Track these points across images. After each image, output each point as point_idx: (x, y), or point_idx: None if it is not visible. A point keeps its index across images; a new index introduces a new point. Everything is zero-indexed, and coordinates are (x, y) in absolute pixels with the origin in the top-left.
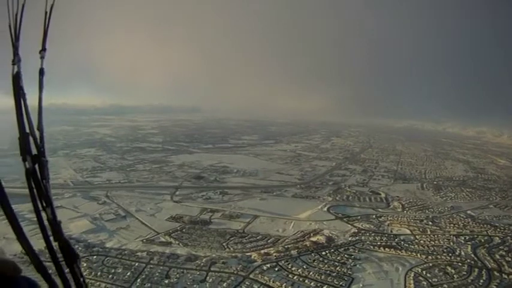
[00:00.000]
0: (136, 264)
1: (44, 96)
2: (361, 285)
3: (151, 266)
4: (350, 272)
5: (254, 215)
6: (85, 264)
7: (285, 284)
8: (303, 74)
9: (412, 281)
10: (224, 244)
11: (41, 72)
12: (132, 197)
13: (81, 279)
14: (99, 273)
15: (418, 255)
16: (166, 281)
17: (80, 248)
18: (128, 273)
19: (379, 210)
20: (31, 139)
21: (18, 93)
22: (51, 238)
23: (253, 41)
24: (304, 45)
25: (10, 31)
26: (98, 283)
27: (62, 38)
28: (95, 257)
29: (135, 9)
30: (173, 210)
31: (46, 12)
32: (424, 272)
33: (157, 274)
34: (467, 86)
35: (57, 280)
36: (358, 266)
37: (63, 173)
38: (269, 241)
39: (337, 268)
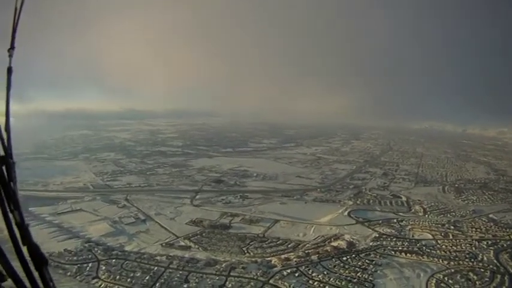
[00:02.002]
0: (156, 268)
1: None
2: None
3: (171, 270)
4: (371, 278)
5: (274, 219)
6: (104, 268)
7: None
8: (321, 76)
9: None
10: (244, 249)
11: (9, 71)
12: (152, 201)
13: (51, 284)
14: (117, 277)
15: (440, 260)
16: (185, 286)
17: (99, 251)
18: (147, 277)
19: (401, 214)
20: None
21: None
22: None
23: (269, 43)
24: (321, 47)
25: None
26: (116, 287)
27: (70, 38)
28: (113, 260)
29: (147, 11)
30: (193, 214)
31: (16, 9)
32: (445, 278)
33: (176, 278)
34: (487, 85)
35: (28, 284)
36: (379, 272)
37: (83, 176)
38: (289, 246)
39: (358, 274)
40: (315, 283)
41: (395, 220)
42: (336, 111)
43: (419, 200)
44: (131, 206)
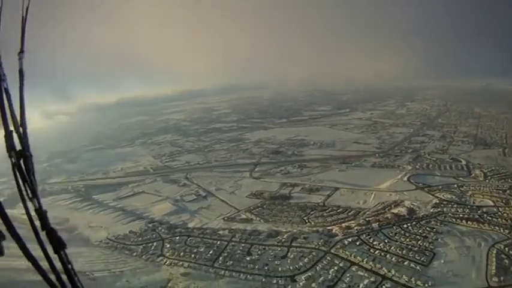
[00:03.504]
0: (218, 242)
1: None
2: (442, 261)
3: (233, 243)
4: (432, 247)
5: (334, 187)
6: (168, 246)
7: (366, 259)
8: (371, 37)
9: (494, 259)
10: (305, 218)
11: (21, 72)
12: (212, 177)
13: (69, 266)
14: (181, 254)
15: (501, 229)
16: (248, 258)
17: (162, 230)
18: (210, 252)
19: (460, 179)
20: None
21: (1, 95)
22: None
23: (313, 4)
24: (369, 6)
25: None
26: (181, 263)
27: (99, 27)
28: (177, 237)
29: None
30: (253, 187)
31: (22, 17)
32: (506, 249)
33: (239, 251)
34: None
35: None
36: (440, 240)
37: (142, 160)
38: (350, 214)
39: (419, 242)
40: (376, 252)
41: (455, 185)
42: (389, 72)
43: (479, 164)
44: (191, 183)
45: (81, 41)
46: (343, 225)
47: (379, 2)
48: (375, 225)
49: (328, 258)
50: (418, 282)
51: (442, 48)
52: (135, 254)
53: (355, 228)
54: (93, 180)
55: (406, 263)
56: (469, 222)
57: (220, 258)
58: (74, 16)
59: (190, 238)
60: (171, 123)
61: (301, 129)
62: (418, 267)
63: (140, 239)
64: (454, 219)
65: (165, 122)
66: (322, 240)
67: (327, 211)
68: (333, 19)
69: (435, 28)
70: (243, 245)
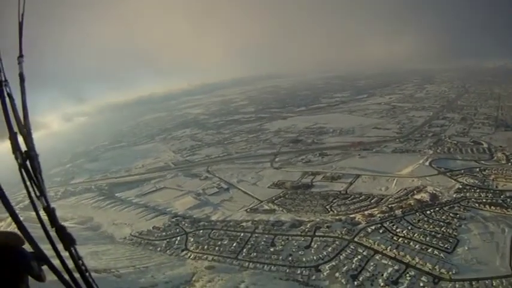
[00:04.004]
0: (242, 234)
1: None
2: (466, 248)
3: (257, 235)
4: (455, 233)
5: (355, 174)
6: (192, 239)
7: (389, 247)
8: (386, 19)
9: None
10: (327, 207)
11: (21, 76)
12: (233, 169)
13: (80, 262)
14: (205, 247)
15: None
16: (272, 249)
17: (186, 225)
18: (234, 244)
19: (482, 162)
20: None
21: (4, 99)
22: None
23: None
24: None
25: None
26: (205, 256)
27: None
28: (201, 231)
29: None
30: (274, 177)
31: (19, 22)
32: None
33: (262, 243)
34: None
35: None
36: (463, 226)
37: (162, 156)
38: (372, 201)
39: (442, 229)
40: (399, 239)
41: (477, 169)
42: (405, 55)
43: (501, 147)
44: (213, 176)
45: (89, 40)
46: (366, 213)
47: None
48: (398, 212)
49: (351, 247)
50: (442, 270)
51: (457, 28)
52: (159, 249)
53: (378, 215)
54: (116, 178)
55: (429, 250)
56: (492, 207)
57: (244, 250)
58: (82, 14)
59: (213, 231)
60: (190, 117)
61: (320, 117)
62: (441, 255)
63: (164, 234)
64: (477, 204)
65: (184, 116)
66: (345, 228)
67: (349, 199)
68: (346, 2)
69: (449, 7)
70: (266, 236)
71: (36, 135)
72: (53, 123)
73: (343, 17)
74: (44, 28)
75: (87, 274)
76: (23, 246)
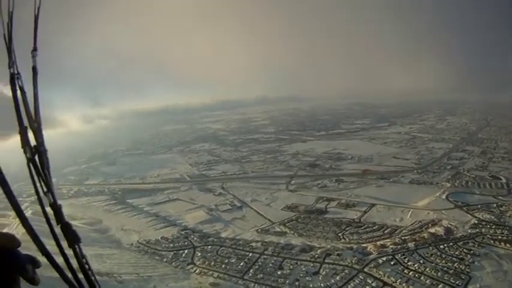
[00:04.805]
0: (250, 254)
1: (40, 92)
2: (478, 285)
3: (265, 256)
4: (468, 270)
5: (370, 203)
6: (199, 254)
7: (400, 280)
8: (411, 48)
9: None
10: (340, 234)
11: (34, 70)
12: (248, 188)
13: (84, 260)
14: (212, 263)
15: None
16: (279, 272)
17: (195, 238)
18: (241, 264)
19: (500, 198)
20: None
21: (15, 93)
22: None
23: (348, 17)
24: (407, 16)
25: (4, 37)
26: (210, 272)
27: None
28: (209, 247)
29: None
30: (288, 200)
31: (35, 16)
32: None
33: (270, 265)
34: None
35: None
36: (476, 263)
37: (179, 168)
38: (386, 232)
39: (455, 265)
40: (410, 273)
41: (494, 205)
42: (428, 85)
43: None
44: (227, 193)
45: (112, 45)
46: (378, 243)
47: (419, 11)
48: (411, 244)
49: (360, 277)
50: None
51: (482, 60)
52: (165, 260)
53: (391, 246)
54: (130, 184)
55: (440, 286)
56: (507, 244)
57: (251, 270)
58: (108, 21)
59: (222, 248)
60: (209, 132)
61: (339, 143)
62: None
63: (172, 245)
64: (492, 241)
65: (204, 130)
66: (356, 258)
67: (362, 228)
68: (371, 30)
69: (474, 39)
70: (275, 258)
71: (53, 132)
72: (72, 123)
73: (369, 44)
74: (65, 26)
75: (89, 272)
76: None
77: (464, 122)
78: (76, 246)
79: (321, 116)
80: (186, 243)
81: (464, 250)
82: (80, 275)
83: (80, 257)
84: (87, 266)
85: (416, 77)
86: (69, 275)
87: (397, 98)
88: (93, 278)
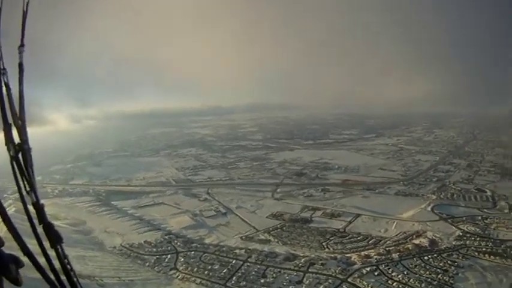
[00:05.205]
0: (234, 261)
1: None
2: None
3: (249, 264)
4: (452, 282)
5: (356, 213)
6: (182, 260)
7: None
8: (402, 61)
9: None
10: (324, 244)
11: (20, 66)
12: (233, 194)
13: (66, 261)
14: (195, 269)
15: None
16: (262, 281)
17: (178, 244)
18: (224, 270)
19: (485, 210)
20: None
21: (0, 89)
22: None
23: (342, 25)
24: (400, 29)
25: None
26: (193, 278)
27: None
28: (193, 252)
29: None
30: (274, 208)
31: (23, 11)
32: None
33: (253, 273)
34: None
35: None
36: (460, 274)
37: (165, 171)
38: (370, 242)
39: (439, 276)
40: (394, 283)
41: (479, 217)
42: (417, 98)
43: (504, 196)
44: (212, 199)
45: (102, 46)
46: (363, 253)
47: (413, 24)
48: (395, 255)
49: (344, 287)
50: None
51: (472, 74)
52: (147, 264)
53: (375, 257)
54: (115, 186)
55: None
56: (491, 256)
57: (234, 277)
58: (98, 21)
59: (205, 254)
60: (197, 137)
61: (326, 152)
62: None
63: (155, 249)
64: (476, 253)
65: (191, 135)
66: (339, 267)
67: (347, 238)
68: (366, 39)
69: (465, 52)
70: (258, 266)
71: (40, 130)
72: (60, 122)
73: (362, 53)
74: (56, 25)
75: (72, 273)
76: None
77: (451, 135)
78: (58, 247)
79: (310, 125)
80: (169, 248)
81: (449, 262)
82: (63, 277)
83: (62, 257)
84: (69, 267)
85: (407, 89)
86: (51, 275)
87: (387, 110)
88: (75, 279)
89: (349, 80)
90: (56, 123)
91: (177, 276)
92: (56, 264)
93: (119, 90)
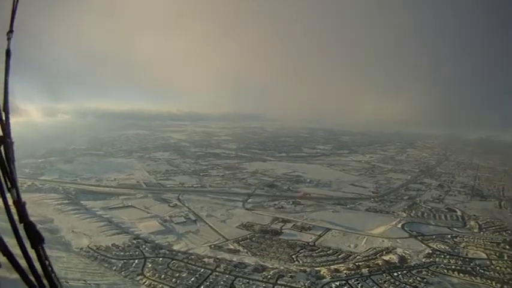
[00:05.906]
0: (202, 270)
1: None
2: None
3: (217, 273)
4: None
5: (326, 227)
6: (150, 265)
7: None
8: (378, 80)
9: None
10: (293, 256)
11: (8, 53)
12: (204, 202)
13: (47, 262)
14: (162, 276)
15: (494, 283)
16: None
17: (146, 249)
18: (192, 279)
19: (455, 229)
20: None
21: None
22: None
23: (323, 43)
24: (379, 49)
25: None
26: (160, 285)
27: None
28: (161, 259)
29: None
30: (244, 218)
31: None
32: None
33: (222, 282)
34: None
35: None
36: None
37: (136, 174)
38: (340, 256)
39: None
40: None
41: (449, 236)
42: (393, 117)
43: (474, 215)
44: (182, 205)
45: (81, 42)
46: (332, 267)
47: (391, 44)
48: (365, 270)
49: None
50: None
51: (447, 97)
52: (114, 268)
53: (344, 271)
54: (85, 185)
55: None
56: (460, 274)
57: (202, 287)
58: (81, 17)
59: (173, 261)
60: (171, 141)
61: (299, 166)
62: None
63: (122, 253)
64: (445, 271)
65: (165, 139)
66: (309, 281)
67: (316, 251)
68: (346, 60)
69: (441, 75)
70: (227, 276)
71: (11, 120)
72: (33, 113)
73: (343, 70)
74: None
75: (53, 275)
76: None
77: (424, 156)
78: (39, 248)
79: (284, 138)
80: (137, 252)
81: (418, 278)
82: (44, 280)
83: (43, 259)
84: (50, 268)
85: (384, 108)
86: (32, 278)
87: (362, 128)
88: (56, 281)
89: (327, 96)
90: (29, 115)
91: (144, 282)
92: (37, 266)
93: (96, 88)
